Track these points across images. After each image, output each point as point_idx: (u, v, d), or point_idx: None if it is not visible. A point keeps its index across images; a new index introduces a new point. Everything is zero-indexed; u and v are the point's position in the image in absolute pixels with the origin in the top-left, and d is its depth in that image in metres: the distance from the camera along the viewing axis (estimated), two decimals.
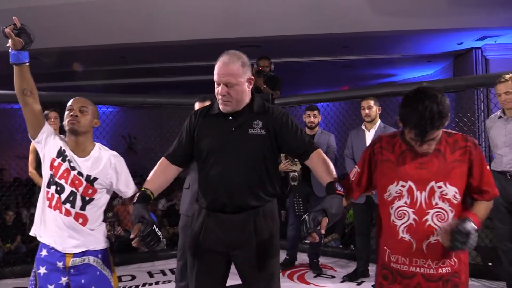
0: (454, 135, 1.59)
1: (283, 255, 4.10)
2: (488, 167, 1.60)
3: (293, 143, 1.88)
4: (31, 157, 3.62)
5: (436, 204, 1.53)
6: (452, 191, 1.54)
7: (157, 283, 3.82)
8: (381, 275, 1.66)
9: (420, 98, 1.47)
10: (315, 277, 3.86)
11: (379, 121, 3.69)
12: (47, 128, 1.92)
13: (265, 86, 4.50)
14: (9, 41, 1.73)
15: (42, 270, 1.87)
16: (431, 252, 1.55)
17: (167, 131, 4.77)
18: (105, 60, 7.57)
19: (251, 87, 1.90)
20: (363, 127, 3.73)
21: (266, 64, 4.58)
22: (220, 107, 1.86)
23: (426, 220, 1.54)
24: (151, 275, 4.05)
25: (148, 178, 1.93)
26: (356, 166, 1.77)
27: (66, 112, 1.90)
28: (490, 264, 3.90)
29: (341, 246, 4.92)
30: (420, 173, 1.55)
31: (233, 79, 1.81)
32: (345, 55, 7.66)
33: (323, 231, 1.59)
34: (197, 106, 3.00)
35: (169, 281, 3.71)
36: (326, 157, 1.87)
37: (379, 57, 7.91)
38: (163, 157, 1.97)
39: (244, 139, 1.84)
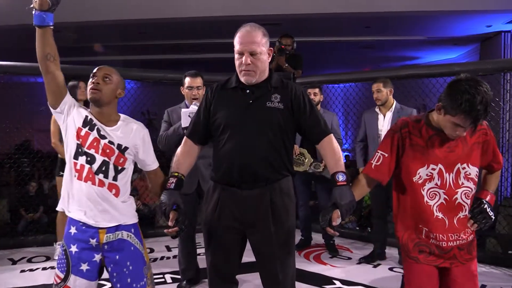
0: None
1: (297, 236, 4.12)
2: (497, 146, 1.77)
3: (308, 122, 1.86)
4: (53, 128, 3.55)
5: (463, 183, 1.68)
6: (474, 171, 1.70)
7: (174, 256, 3.88)
8: (416, 251, 1.76)
9: (475, 87, 1.52)
10: (331, 258, 3.87)
11: (394, 103, 3.60)
12: (69, 98, 1.83)
13: (287, 65, 4.43)
14: (34, 1, 1.64)
15: (74, 249, 1.79)
16: (461, 225, 1.71)
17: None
18: (124, 36, 7.56)
19: (270, 59, 1.87)
20: (376, 109, 3.66)
21: (289, 42, 4.49)
22: (243, 78, 1.83)
23: (456, 198, 1.69)
24: (168, 248, 4.13)
25: (176, 160, 1.92)
26: (380, 151, 1.77)
27: (90, 80, 1.82)
28: (510, 252, 3.85)
29: (357, 228, 4.91)
30: (449, 156, 1.67)
31: (257, 47, 1.78)
32: (367, 36, 7.48)
33: (334, 223, 1.68)
34: (187, 81, 2.95)
35: None
36: (336, 144, 1.87)
37: (403, 39, 7.70)
38: (185, 137, 1.96)
39: (262, 112, 1.82)
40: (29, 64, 3.92)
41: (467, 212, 1.71)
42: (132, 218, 1.88)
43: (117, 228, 1.82)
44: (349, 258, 3.87)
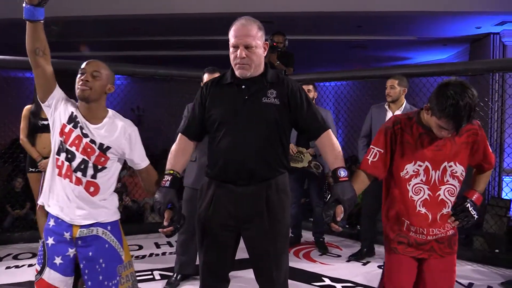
0: None
1: None
2: (489, 146, 1.79)
3: (306, 118, 1.85)
4: (22, 124, 3.49)
5: (447, 181, 1.74)
6: (460, 169, 1.75)
7: (163, 253, 3.86)
8: (396, 242, 1.83)
9: (460, 93, 1.56)
10: (320, 255, 3.88)
11: (404, 103, 3.60)
12: (57, 92, 1.81)
13: (278, 62, 4.42)
14: None
15: (50, 241, 1.79)
16: (443, 221, 1.77)
17: (177, 104, 4.73)
18: (115, 31, 7.48)
19: (265, 53, 1.85)
20: (386, 106, 3.65)
21: (281, 40, 4.48)
22: (238, 72, 1.81)
23: (439, 195, 1.75)
24: (157, 245, 4.09)
25: (170, 157, 1.89)
26: (375, 147, 1.80)
27: (78, 76, 1.79)
28: (497, 251, 3.89)
29: (347, 226, 4.92)
30: (436, 155, 1.73)
31: (252, 40, 1.77)
32: (359, 35, 7.50)
33: (338, 219, 1.66)
34: (205, 77, 2.93)
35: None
36: (335, 140, 1.86)
37: (394, 39, 7.73)
38: (180, 134, 1.93)
39: (258, 108, 1.80)
40: (20, 58, 3.85)
41: (449, 209, 1.76)
42: (111, 215, 1.84)
43: (92, 224, 1.79)
44: (339, 256, 3.88)
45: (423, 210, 1.76)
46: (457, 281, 3.24)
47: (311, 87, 3.91)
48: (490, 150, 1.80)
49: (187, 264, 3.02)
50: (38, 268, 1.81)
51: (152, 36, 7.80)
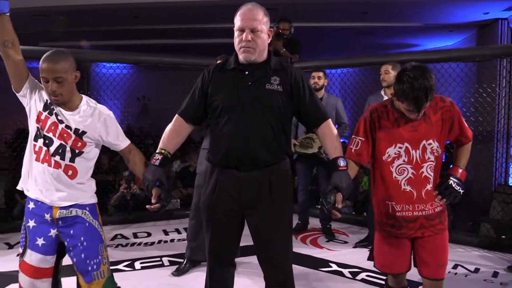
0: (433, 98, 1.81)
1: (295, 220, 4.15)
2: (463, 119, 1.88)
3: (307, 107, 1.86)
4: None
5: (428, 158, 1.84)
6: (437, 146, 1.83)
7: (172, 240, 3.91)
8: (388, 225, 1.92)
9: (415, 76, 1.69)
10: (327, 241, 3.91)
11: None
12: (31, 81, 1.87)
13: (284, 49, 4.40)
14: None
15: (31, 223, 1.86)
16: (428, 197, 1.86)
17: (183, 92, 4.74)
18: (118, 20, 7.44)
19: (269, 40, 1.86)
20: (382, 92, 3.65)
21: (286, 27, 4.45)
22: (242, 55, 1.81)
23: (422, 172, 1.84)
24: (166, 233, 4.14)
25: (164, 137, 1.90)
26: (356, 136, 1.92)
27: (43, 82, 1.81)
28: (503, 237, 3.90)
29: (354, 213, 4.95)
30: (413, 135, 1.83)
31: (258, 24, 1.78)
32: (364, 22, 7.43)
33: (340, 206, 1.74)
34: None
35: (184, 239, 3.77)
36: (334, 129, 1.90)
37: (400, 25, 7.65)
38: (176, 115, 1.93)
39: (261, 94, 1.80)
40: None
41: (432, 184, 1.86)
42: (88, 198, 1.92)
43: (72, 206, 1.86)
44: (345, 242, 3.90)
45: (408, 188, 1.85)
46: (463, 266, 3.28)
47: (321, 74, 3.90)
48: (466, 124, 1.89)
49: (198, 250, 3.04)
50: (21, 251, 1.88)
51: (158, 25, 7.76)
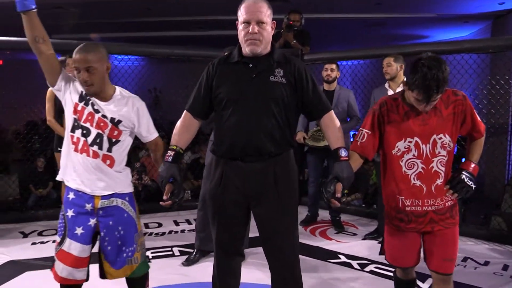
0: (445, 92, 1.78)
1: (304, 212, 4.17)
2: (476, 113, 1.85)
3: (311, 99, 1.88)
4: (48, 106, 3.55)
5: (439, 152, 1.81)
6: (449, 140, 1.80)
7: (182, 231, 3.96)
8: (397, 219, 1.90)
9: (429, 66, 1.65)
10: (337, 233, 3.92)
11: (404, 80, 3.57)
12: (65, 75, 1.91)
13: (294, 41, 4.38)
14: None
15: (70, 213, 1.90)
16: (438, 192, 1.84)
17: (193, 84, 4.75)
18: (130, 12, 7.48)
19: (272, 33, 1.87)
20: (386, 85, 3.62)
21: (297, 18, 4.43)
22: (248, 48, 1.82)
23: (432, 167, 1.82)
24: (176, 223, 4.19)
25: (175, 133, 1.93)
26: (363, 129, 1.90)
27: (76, 73, 1.86)
28: None
29: (363, 205, 4.95)
30: (424, 129, 1.80)
31: (264, 17, 1.79)
32: (377, 13, 7.33)
33: (338, 195, 1.75)
34: None
35: (194, 230, 3.82)
36: (336, 121, 1.91)
37: (413, 16, 7.54)
38: (185, 111, 1.96)
39: (265, 86, 1.82)
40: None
41: (443, 179, 1.83)
42: (127, 187, 1.98)
43: (112, 195, 1.92)
44: (355, 234, 3.91)
45: (418, 183, 1.83)
46: (473, 259, 3.27)
47: (334, 66, 3.88)
48: (478, 118, 1.86)
49: (206, 240, 3.07)
50: (58, 239, 1.93)
51: (167, 17, 7.78)
